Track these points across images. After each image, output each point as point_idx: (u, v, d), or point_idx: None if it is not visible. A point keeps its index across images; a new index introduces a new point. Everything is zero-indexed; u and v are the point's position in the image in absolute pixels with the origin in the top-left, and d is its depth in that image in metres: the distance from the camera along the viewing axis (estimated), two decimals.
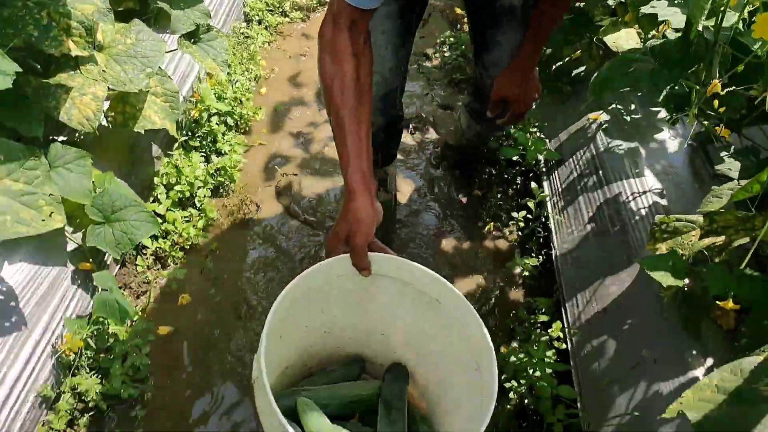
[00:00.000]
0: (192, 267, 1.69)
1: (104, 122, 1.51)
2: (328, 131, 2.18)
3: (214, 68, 1.71)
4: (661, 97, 1.25)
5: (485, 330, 1.04)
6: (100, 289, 1.34)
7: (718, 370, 0.87)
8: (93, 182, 1.37)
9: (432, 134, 2.21)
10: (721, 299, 1.08)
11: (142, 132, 1.57)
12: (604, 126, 1.81)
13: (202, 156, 1.89)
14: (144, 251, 1.66)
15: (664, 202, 1.54)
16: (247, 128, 2.13)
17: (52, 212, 1.15)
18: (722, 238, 1.25)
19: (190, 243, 1.72)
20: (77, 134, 1.49)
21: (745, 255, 1.09)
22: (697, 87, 1.20)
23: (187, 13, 1.66)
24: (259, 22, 2.60)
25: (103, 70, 1.38)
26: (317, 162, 2.08)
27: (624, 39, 1.71)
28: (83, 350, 1.33)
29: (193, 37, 1.68)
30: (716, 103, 1.35)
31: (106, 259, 1.52)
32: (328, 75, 1.12)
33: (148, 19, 1.69)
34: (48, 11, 1.14)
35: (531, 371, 1.43)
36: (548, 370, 1.43)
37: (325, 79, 1.13)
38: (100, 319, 1.36)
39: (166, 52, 1.60)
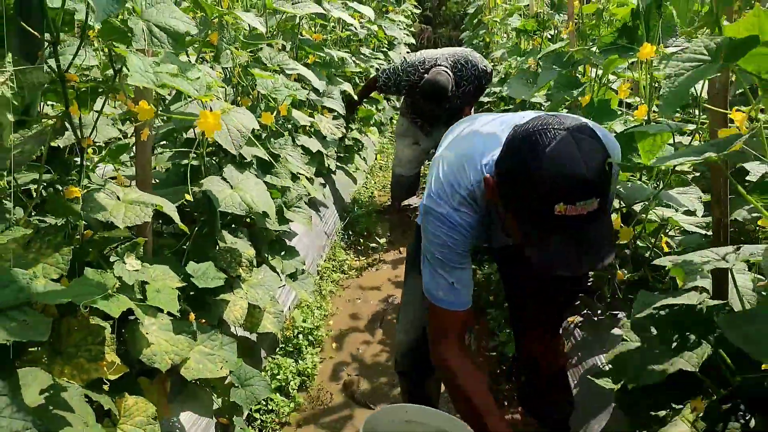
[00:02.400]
0: None
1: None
2: (376, 348, 2.93)
3: (306, 297, 2.58)
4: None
5: None
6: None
7: None
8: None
9: None
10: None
11: (254, 338, 2.37)
12: (579, 324, 2.55)
13: (292, 360, 2.63)
14: (252, 424, 2.30)
15: None
16: (321, 347, 2.90)
17: (222, 366, 1.90)
18: None
19: (284, 420, 2.36)
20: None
21: None
22: (608, 276, 2.00)
23: (291, 262, 2.60)
24: (327, 277, 3.57)
25: (246, 293, 2.25)
26: (369, 368, 2.80)
27: None
28: None
29: (293, 277, 2.59)
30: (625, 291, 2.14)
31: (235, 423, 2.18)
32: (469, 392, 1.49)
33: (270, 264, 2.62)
34: (231, 253, 2.07)
35: None
36: None
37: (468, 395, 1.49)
38: None
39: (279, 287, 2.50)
